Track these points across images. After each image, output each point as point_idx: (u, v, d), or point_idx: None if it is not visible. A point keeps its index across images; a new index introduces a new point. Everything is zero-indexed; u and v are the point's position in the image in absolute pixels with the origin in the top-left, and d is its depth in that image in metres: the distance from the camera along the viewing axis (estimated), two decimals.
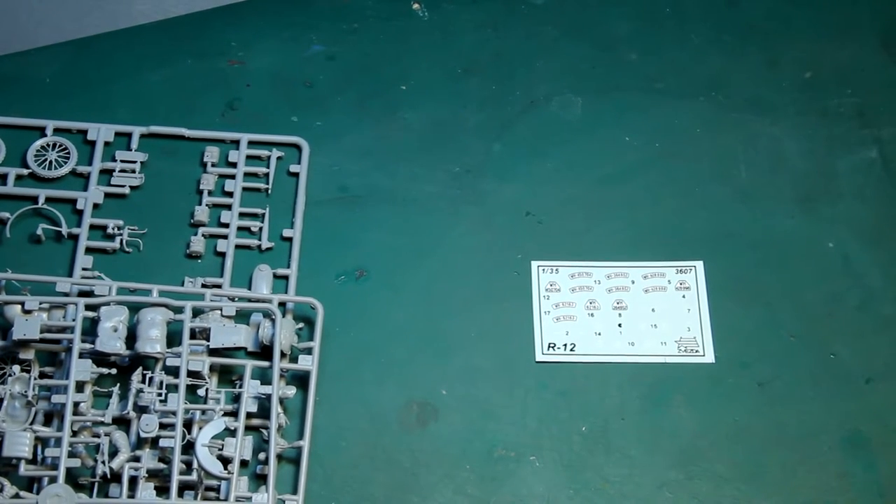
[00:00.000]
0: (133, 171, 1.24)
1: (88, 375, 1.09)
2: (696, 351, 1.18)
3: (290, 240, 1.22)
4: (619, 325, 1.19)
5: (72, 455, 1.07)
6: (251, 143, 1.26)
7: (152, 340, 1.10)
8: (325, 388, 1.14)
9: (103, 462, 1.06)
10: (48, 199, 1.21)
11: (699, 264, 1.22)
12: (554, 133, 1.30)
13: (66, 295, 1.14)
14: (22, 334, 1.09)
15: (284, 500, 1.08)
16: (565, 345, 1.18)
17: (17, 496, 1.05)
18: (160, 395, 1.09)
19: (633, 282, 1.21)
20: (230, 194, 1.24)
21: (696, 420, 1.14)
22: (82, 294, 1.14)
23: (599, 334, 1.19)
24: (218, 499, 1.07)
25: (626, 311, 1.20)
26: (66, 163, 1.24)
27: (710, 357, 1.17)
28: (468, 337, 1.18)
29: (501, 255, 1.22)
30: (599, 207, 1.25)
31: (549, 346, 1.18)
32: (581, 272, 1.22)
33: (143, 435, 1.07)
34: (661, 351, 1.18)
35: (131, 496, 1.06)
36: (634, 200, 1.26)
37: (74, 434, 1.08)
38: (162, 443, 1.07)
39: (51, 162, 1.24)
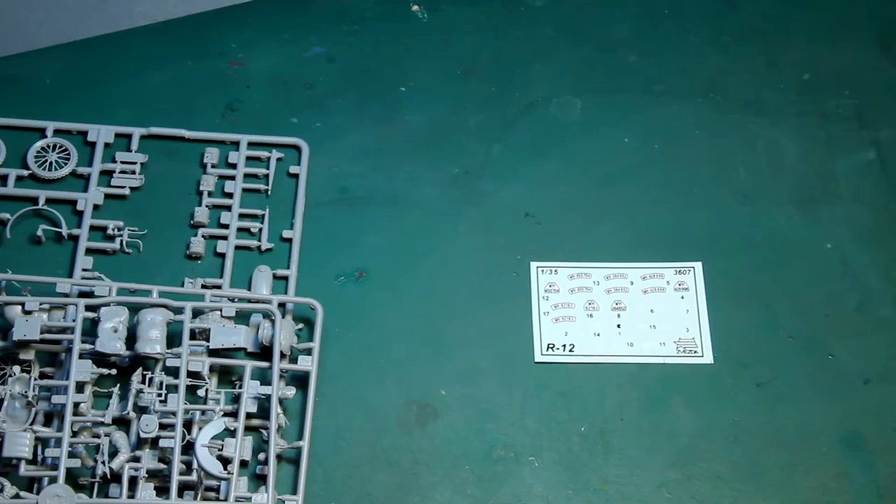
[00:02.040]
0: (133, 173, 1.24)
1: (88, 376, 1.09)
2: (695, 351, 1.18)
3: (289, 241, 1.22)
4: (618, 326, 1.19)
5: (72, 455, 1.07)
6: (251, 145, 1.27)
7: (152, 341, 1.11)
8: (325, 389, 1.14)
9: (103, 462, 1.06)
10: (48, 200, 1.22)
11: (698, 265, 1.22)
12: (553, 134, 1.30)
13: (67, 296, 1.14)
14: (22, 335, 1.09)
15: (284, 501, 1.08)
16: (564, 345, 1.18)
17: (17, 496, 1.05)
18: (160, 395, 1.09)
19: (631, 283, 1.21)
20: (230, 195, 1.24)
21: (695, 420, 1.14)
22: (82, 295, 1.15)
23: (598, 335, 1.19)
24: (218, 499, 1.07)
25: (624, 312, 1.20)
26: (66, 164, 1.24)
27: (708, 358, 1.18)
28: (467, 337, 1.18)
29: (501, 255, 1.22)
30: (598, 208, 1.25)
31: (548, 347, 1.18)
32: (580, 273, 1.22)
33: (142, 435, 1.07)
34: (660, 351, 1.18)
35: (131, 496, 1.06)
36: (633, 201, 1.26)
37: (74, 434, 1.08)
38: (162, 443, 1.07)
39: (51, 163, 1.24)
